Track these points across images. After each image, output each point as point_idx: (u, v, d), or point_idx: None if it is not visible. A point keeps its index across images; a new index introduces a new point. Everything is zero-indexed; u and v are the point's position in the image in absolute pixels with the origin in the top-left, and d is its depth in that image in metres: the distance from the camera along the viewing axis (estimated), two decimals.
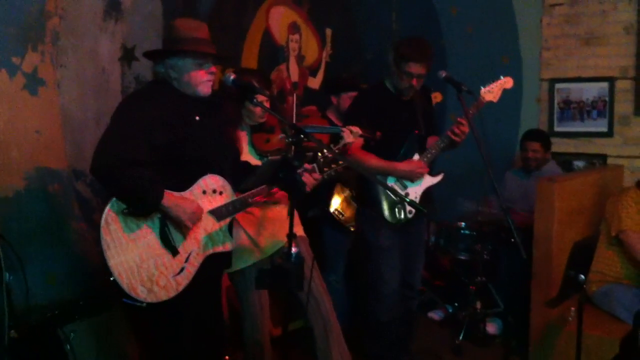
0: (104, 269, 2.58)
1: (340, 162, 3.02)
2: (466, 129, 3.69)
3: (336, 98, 4.75)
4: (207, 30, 2.88)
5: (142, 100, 2.78)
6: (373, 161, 3.71)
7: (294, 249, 2.53)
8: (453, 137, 3.73)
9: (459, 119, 3.73)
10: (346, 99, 4.65)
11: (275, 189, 3.08)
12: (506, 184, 5.39)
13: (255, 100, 2.88)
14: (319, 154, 2.95)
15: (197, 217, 2.75)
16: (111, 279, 2.57)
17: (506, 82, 3.85)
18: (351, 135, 3.26)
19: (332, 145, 3.18)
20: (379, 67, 6.44)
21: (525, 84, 5.96)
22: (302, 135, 2.58)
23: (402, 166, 3.77)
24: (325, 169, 3.04)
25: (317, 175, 3.00)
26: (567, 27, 5.74)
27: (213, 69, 2.85)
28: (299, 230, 3.64)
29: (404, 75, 3.69)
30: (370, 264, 3.88)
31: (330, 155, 2.97)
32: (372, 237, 3.85)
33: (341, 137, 3.23)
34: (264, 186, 2.99)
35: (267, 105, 3.26)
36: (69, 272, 3.67)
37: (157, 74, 2.87)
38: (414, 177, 3.80)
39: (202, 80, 2.81)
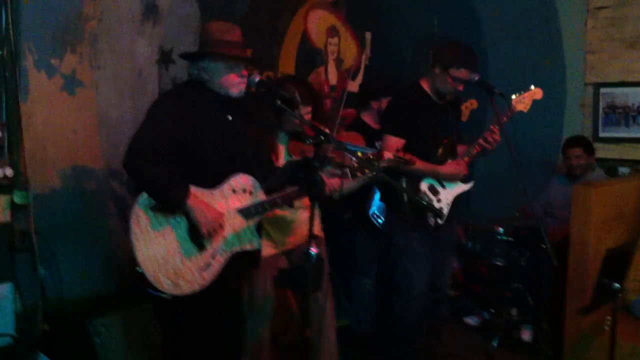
0: (132, 260, 2.62)
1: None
2: (498, 137, 3.70)
3: (377, 103, 4.76)
4: (240, 33, 2.91)
5: (173, 98, 2.86)
6: (417, 164, 3.70)
7: (314, 250, 2.53)
8: (485, 144, 3.74)
9: (491, 127, 3.73)
10: (386, 104, 4.67)
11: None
12: (550, 189, 5.29)
13: (277, 103, 2.88)
14: (353, 159, 2.96)
15: (216, 225, 2.75)
16: (138, 269, 2.61)
17: (536, 92, 3.82)
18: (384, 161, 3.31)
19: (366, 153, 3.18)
20: (418, 70, 6.42)
21: (569, 89, 5.84)
22: (322, 137, 2.58)
23: (446, 169, 3.78)
24: (358, 174, 3.06)
25: (347, 180, 3.00)
26: (612, 30, 5.60)
27: (244, 72, 2.87)
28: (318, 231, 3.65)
29: (452, 79, 3.68)
30: (400, 267, 3.85)
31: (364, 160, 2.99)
32: (402, 240, 3.82)
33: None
34: (294, 189, 2.97)
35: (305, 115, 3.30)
36: (102, 268, 3.76)
37: (191, 75, 2.93)
38: (456, 179, 3.82)
39: (234, 83, 2.84)
